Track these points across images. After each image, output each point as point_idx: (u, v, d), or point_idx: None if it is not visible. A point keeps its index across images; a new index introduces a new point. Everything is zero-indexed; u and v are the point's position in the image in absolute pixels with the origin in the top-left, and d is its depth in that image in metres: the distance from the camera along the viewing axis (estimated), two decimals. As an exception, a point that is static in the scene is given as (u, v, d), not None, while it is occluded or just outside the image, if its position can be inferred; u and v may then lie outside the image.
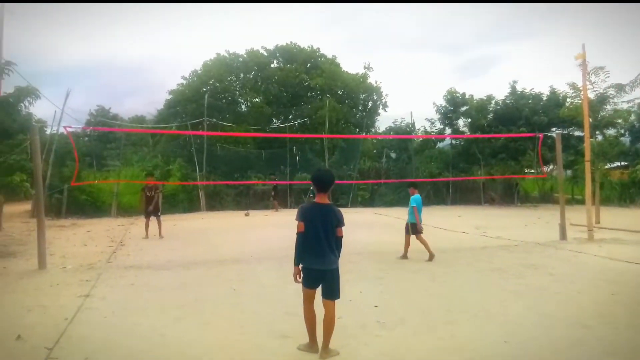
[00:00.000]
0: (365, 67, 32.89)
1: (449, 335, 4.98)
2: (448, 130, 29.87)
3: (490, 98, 28.68)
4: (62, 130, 21.89)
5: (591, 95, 15.85)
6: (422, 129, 31.16)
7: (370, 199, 26.58)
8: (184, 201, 23.63)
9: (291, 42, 32.27)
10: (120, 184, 22.18)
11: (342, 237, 4.58)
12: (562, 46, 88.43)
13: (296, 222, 4.54)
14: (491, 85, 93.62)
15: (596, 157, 17.14)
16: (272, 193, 24.35)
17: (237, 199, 24.98)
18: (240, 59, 31.41)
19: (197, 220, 19.16)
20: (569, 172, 26.64)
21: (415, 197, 9.81)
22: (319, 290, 4.55)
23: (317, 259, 4.45)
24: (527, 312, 5.81)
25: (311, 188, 4.85)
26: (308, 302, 4.54)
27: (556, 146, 13.04)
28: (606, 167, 21.87)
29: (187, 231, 15.48)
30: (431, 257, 9.43)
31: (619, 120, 19.67)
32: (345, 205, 24.70)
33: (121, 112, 44.15)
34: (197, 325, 5.39)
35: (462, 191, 28.32)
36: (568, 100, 21.83)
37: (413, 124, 30.41)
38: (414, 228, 9.68)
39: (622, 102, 17.44)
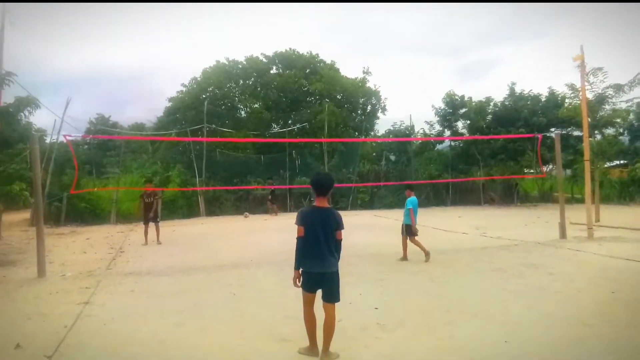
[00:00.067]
0: (364, 72, 33.08)
1: (449, 336, 4.97)
2: (447, 133, 29.95)
3: (489, 100, 28.79)
4: (61, 138, 21.95)
5: (590, 95, 15.89)
6: (421, 131, 31.27)
7: (370, 202, 26.62)
8: (183, 207, 23.65)
9: (290, 49, 32.45)
10: (119, 191, 22.20)
11: (341, 240, 4.58)
12: (560, 47, 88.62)
13: (296, 227, 4.55)
14: (490, 88, 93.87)
15: (595, 156, 17.17)
16: (269, 197, 24.31)
17: (236, 204, 25.00)
18: (240, 66, 31.53)
19: (197, 226, 19.14)
20: (568, 171, 26.70)
21: (412, 199, 9.84)
22: (318, 293, 4.54)
23: (317, 262, 4.45)
24: (527, 311, 5.79)
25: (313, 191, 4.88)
26: (308, 305, 4.53)
27: (555, 146, 13.05)
28: (605, 165, 21.89)
29: (187, 237, 15.46)
30: (427, 255, 9.48)
31: (618, 120, 19.69)
32: (345, 208, 24.73)
33: (121, 120, 44.28)
34: (197, 330, 5.37)
35: (462, 192, 28.36)
36: (567, 100, 21.88)
37: (412, 127, 30.56)
38: (408, 230, 9.72)
39: (621, 101, 17.49)
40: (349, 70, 58.28)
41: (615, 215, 17.63)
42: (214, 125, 26.13)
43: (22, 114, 11.57)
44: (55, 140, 21.80)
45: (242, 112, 31.47)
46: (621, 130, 25.18)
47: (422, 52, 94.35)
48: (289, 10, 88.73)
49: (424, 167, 28.79)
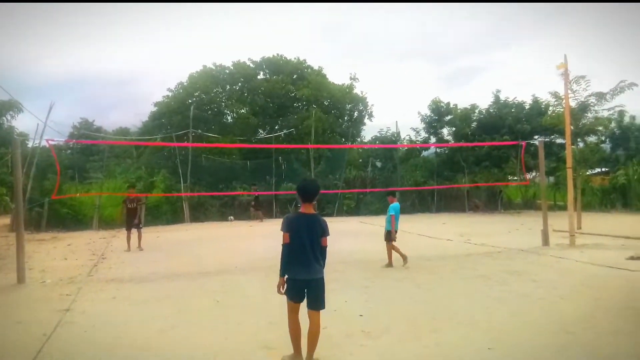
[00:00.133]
0: (351, 78, 33.16)
1: (434, 343, 4.97)
2: (433, 139, 30.18)
3: (474, 107, 29.09)
4: (44, 143, 21.62)
5: (573, 103, 16.11)
6: (407, 138, 31.47)
7: (356, 208, 26.63)
8: (167, 213, 23.41)
9: (277, 54, 32.45)
10: (102, 197, 21.93)
11: (326, 246, 4.58)
12: (544, 55, 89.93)
13: (281, 233, 4.53)
14: (475, 95, 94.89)
15: (578, 163, 17.40)
16: (253, 203, 24.10)
17: (221, 210, 24.83)
18: (227, 71, 31.43)
19: (181, 232, 18.97)
20: (551, 178, 27.02)
21: (394, 205, 9.90)
22: (304, 301, 4.51)
23: (303, 269, 4.43)
24: (511, 318, 5.83)
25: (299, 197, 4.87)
26: (293, 313, 4.50)
27: (539, 153, 13.20)
28: (587, 173, 22.20)
29: (171, 243, 15.31)
30: (405, 260, 9.57)
31: (600, 128, 20.00)
32: (331, 214, 24.70)
33: (105, 125, 43.73)
34: (180, 338, 5.30)
35: (447, 199, 28.53)
36: (550, 108, 22.18)
37: (398, 133, 30.72)
38: (387, 235, 9.75)
39: (603, 110, 17.76)
40: (336, 76, 58.59)
41: (597, 222, 17.88)
42: (200, 131, 25.96)
43: (4, 117, 11.41)
44: (37, 145, 21.48)
45: (229, 118, 31.34)
46: (603, 138, 25.59)
47: (408, 59, 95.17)
48: (276, 16, 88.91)
49: (409, 174, 28.92)
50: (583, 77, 16.39)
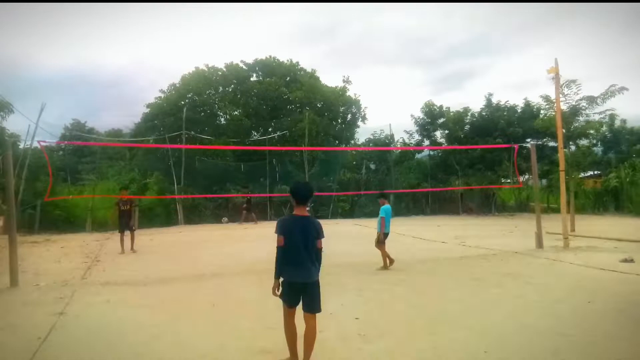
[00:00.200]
0: (344, 81, 33.21)
1: (431, 347, 4.97)
2: (426, 142, 30.33)
3: (466, 110, 29.31)
4: (36, 144, 21.50)
5: (564, 107, 16.24)
6: (400, 140, 31.63)
7: (351, 210, 26.67)
8: (161, 215, 23.34)
9: (270, 56, 32.42)
10: (95, 199, 21.80)
11: (321, 249, 4.56)
12: (536, 59, 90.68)
13: (276, 235, 4.51)
14: (468, 98, 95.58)
15: (570, 166, 17.53)
16: (244, 206, 24.00)
17: (215, 212, 24.78)
18: (220, 73, 31.35)
19: (175, 234, 18.88)
20: (544, 181, 27.20)
21: (385, 207, 9.93)
22: (299, 304, 4.50)
23: (298, 272, 4.42)
24: (506, 321, 5.85)
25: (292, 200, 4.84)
26: (289, 317, 4.50)
27: (531, 156, 13.28)
28: (580, 176, 22.37)
29: (165, 245, 15.23)
30: (389, 264, 9.62)
31: (591, 131, 20.16)
32: (325, 217, 24.71)
33: (98, 126, 43.49)
34: (175, 342, 5.27)
35: (441, 201, 28.67)
36: (542, 112, 22.34)
37: (392, 136, 30.85)
38: (380, 237, 9.78)
39: (594, 113, 17.92)
40: (329, 79, 58.66)
41: (590, 225, 17.99)
42: (193, 132, 25.90)
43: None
44: (29, 146, 21.36)
45: (222, 119, 31.24)
46: (594, 141, 25.80)
47: (401, 63, 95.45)
48: (269, 20, 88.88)
49: (403, 176, 29.03)
50: (574, 81, 16.53)
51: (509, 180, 27.90)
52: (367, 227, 19.47)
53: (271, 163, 27.05)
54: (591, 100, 17.07)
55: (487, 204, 28.98)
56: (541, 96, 19.07)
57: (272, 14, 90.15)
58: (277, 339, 4.88)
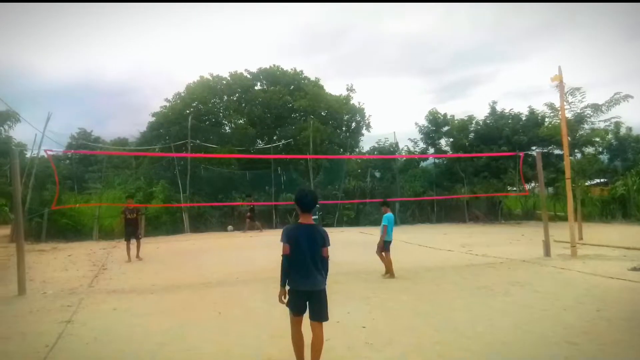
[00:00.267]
0: (348, 89, 33.40)
1: (437, 355, 4.95)
2: (431, 150, 30.31)
3: (471, 118, 29.29)
4: (42, 153, 21.67)
5: (569, 115, 16.19)
6: (405, 148, 31.59)
7: (356, 218, 26.64)
8: (167, 223, 23.39)
9: (275, 65, 32.63)
10: (101, 207, 21.90)
11: (328, 257, 4.55)
12: (540, 67, 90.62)
13: (281, 244, 4.50)
14: (472, 106, 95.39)
15: (576, 174, 17.45)
16: (248, 214, 24.00)
17: (221, 220, 24.83)
18: (224, 82, 31.58)
19: (181, 242, 18.92)
20: (550, 189, 27.07)
21: (388, 215, 9.92)
22: (306, 312, 4.49)
23: (304, 280, 4.40)
24: (514, 330, 5.81)
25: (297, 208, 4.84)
26: (295, 325, 4.48)
27: (537, 164, 13.25)
28: (586, 184, 22.26)
29: (171, 253, 15.26)
30: (386, 274, 9.63)
31: (597, 139, 20.08)
32: (331, 225, 24.69)
33: (103, 135, 43.85)
34: (182, 350, 5.27)
35: (447, 209, 28.57)
36: (547, 119, 22.29)
37: (396, 144, 30.83)
38: (386, 245, 9.81)
39: (600, 121, 17.84)
40: (333, 88, 58.81)
41: (598, 233, 17.87)
42: (198, 141, 26.04)
43: (1, 128, 11.41)
44: (35, 155, 21.53)
45: (227, 128, 31.43)
46: (600, 149, 25.67)
47: (405, 71, 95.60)
48: (273, 29, 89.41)
49: (408, 184, 28.98)
50: (578, 89, 16.48)
51: (515, 188, 27.79)
52: (373, 235, 19.38)
53: (276, 171, 27.12)
54: (596, 108, 16.99)
55: (493, 212, 28.85)
56: (546, 104, 19.07)
57: (276, 24, 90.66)
58: (283, 347, 4.87)
